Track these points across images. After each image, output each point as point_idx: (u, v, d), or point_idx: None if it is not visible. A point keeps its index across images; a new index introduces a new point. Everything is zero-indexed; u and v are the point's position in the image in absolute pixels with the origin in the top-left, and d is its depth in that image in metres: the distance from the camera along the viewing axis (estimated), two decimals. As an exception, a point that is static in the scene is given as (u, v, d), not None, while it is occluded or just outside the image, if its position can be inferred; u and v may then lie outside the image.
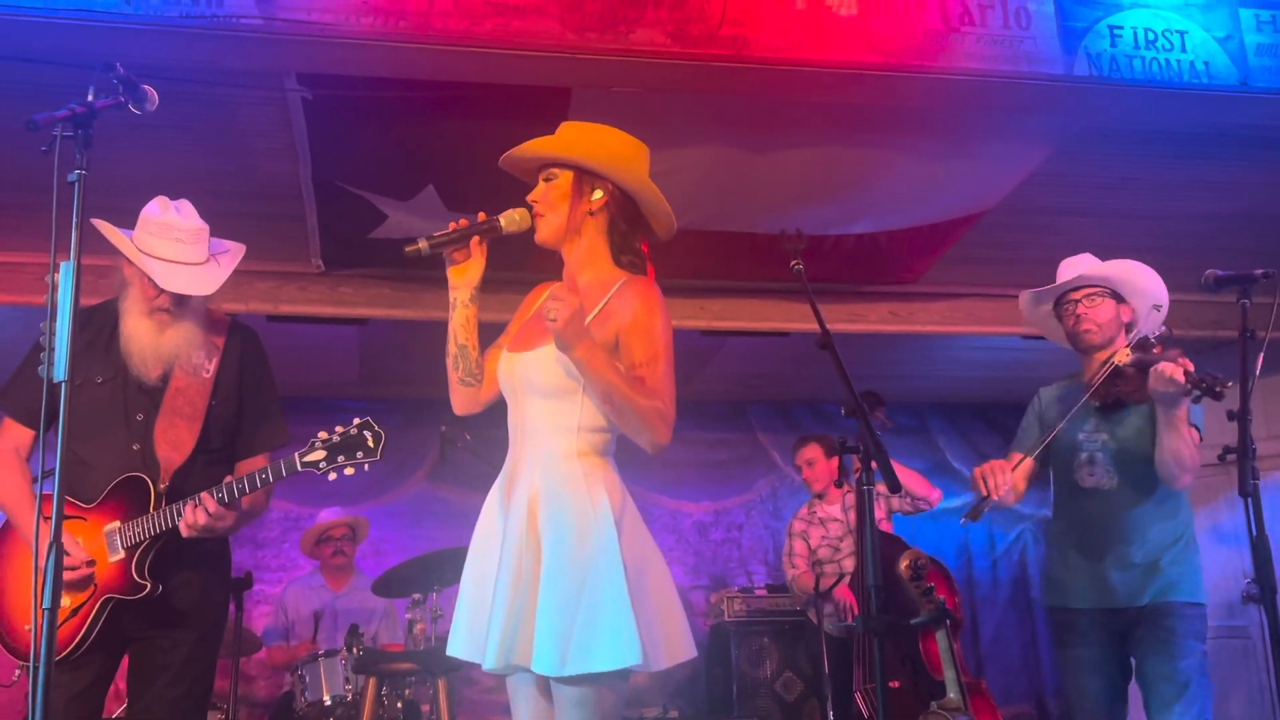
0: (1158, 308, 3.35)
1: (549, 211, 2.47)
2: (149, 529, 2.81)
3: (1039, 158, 4.32)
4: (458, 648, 2.41)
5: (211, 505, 2.74)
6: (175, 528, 2.78)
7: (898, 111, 3.96)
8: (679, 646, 2.35)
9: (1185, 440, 3.10)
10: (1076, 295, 3.38)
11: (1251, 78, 3.78)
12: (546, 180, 2.50)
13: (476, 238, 2.48)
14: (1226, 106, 3.82)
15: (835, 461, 5.46)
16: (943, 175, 4.43)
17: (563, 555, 2.26)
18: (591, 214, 2.47)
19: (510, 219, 2.47)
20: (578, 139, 2.50)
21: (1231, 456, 2.82)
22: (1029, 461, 3.37)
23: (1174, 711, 3.14)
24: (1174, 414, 3.06)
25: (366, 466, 2.81)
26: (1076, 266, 3.44)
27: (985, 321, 5.76)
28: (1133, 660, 3.34)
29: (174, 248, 2.87)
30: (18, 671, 2.86)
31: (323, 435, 2.80)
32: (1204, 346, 6.20)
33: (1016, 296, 5.61)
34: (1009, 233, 5.02)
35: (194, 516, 2.74)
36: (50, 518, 2.03)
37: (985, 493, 3.10)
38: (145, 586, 2.80)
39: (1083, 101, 3.80)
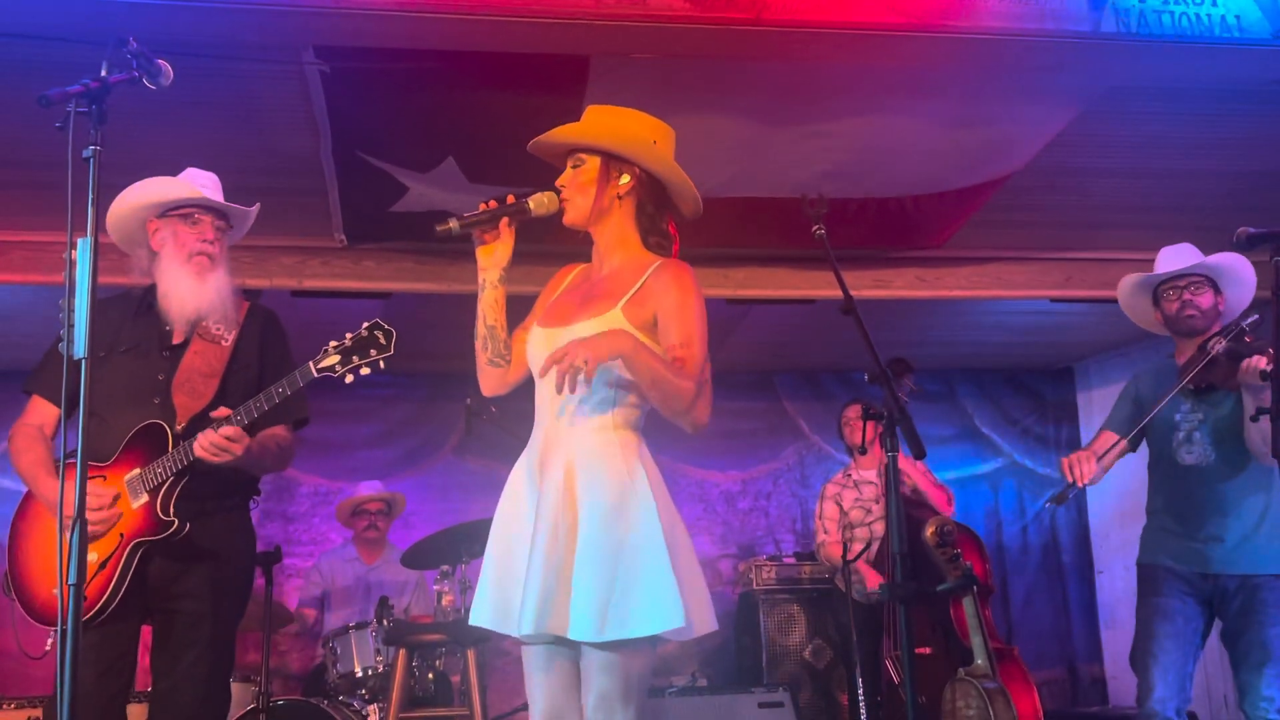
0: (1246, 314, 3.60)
1: (577, 195, 2.51)
2: (170, 468, 2.86)
3: (1066, 118, 4.24)
4: (483, 617, 2.43)
5: (226, 429, 2.78)
6: (194, 461, 2.83)
7: (921, 73, 3.91)
8: (706, 618, 2.37)
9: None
10: (1181, 283, 3.64)
11: (1284, 31, 3.69)
12: (574, 165, 2.54)
13: (506, 219, 2.49)
14: (1259, 61, 3.74)
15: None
16: (968, 138, 4.36)
17: (600, 525, 2.30)
18: (619, 197, 2.51)
19: (539, 202, 2.51)
20: (604, 124, 2.54)
21: (1264, 417, 2.80)
22: (1122, 443, 3.69)
23: (1265, 675, 3.42)
24: (1260, 399, 3.24)
25: (382, 364, 2.84)
26: (1183, 255, 3.68)
27: (1013, 285, 5.70)
28: (1222, 626, 3.60)
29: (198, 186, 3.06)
30: (50, 641, 2.90)
31: (333, 343, 2.85)
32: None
33: (1044, 259, 5.65)
34: (1036, 195, 4.95)
35: (207, 437, 2.78)
36: (73, 484, 2.06)
37: (1071, 480, 3.45)
38: (172, 524, 2.86)
39: (1110, 59, 3.73)
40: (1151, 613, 3.64)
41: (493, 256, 2.51)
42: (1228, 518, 3.54)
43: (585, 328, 2.37)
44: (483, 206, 2.48)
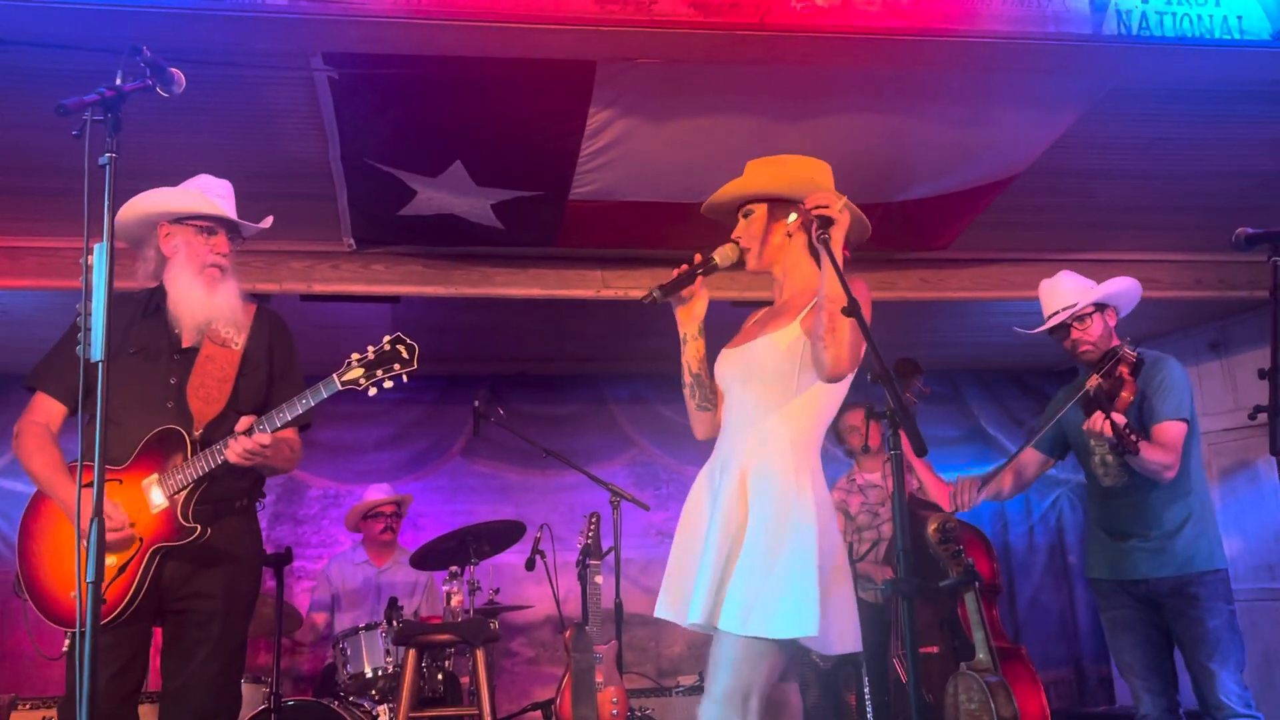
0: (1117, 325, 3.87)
1: (753, 244, 2.77)
2: (192, 474, 2.88)
3: (1069, 120, 4.26)
4: (665, 610, 2.67)
5: (261, 435, 2.83)
6: (217, 468, 2.86)
7: (924, 77, 3.93)
8: (849, 639, 2.57)
9: (1143, 449, 3.50)
10: (1067, 320, 3.83)
11: (1285, 32, 3.71)
12: (745, 216, 2.80)
13: (700, 277, 2.71)
14: (1261, 62, 3.75)
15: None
16: (972, 140, 4.38)
17: (763, 528, 2.50)
18: (790, 235, 2.76)
19: (724, 255, 2.74)
20: (763, 173, 2.81)
21: (1262, 415, 2.81)
22: (1034, 454, 4.04)
23: (1210, 668, 3.52)
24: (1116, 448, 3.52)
25: (405, 377, 2.91)
26: (1058, 292, 3.89)
27: (1017, 286, 5.71)
28: (1170, 629, 3.72)
29: (213, 198, 3.08)
30: (67, 643, 2.93)
31: (356, 356, 2.90)
32: (1240, 307, 6.14)
33: (1049, 260, 5.65)
34: (1040, 197, 4.97)
35: (240, 444, 2.82)
36: (89, 485, 2.08)
37: (952, 508, 3.84)
38: (195, 530, 2.88)
39: (1113, 61, 3.75)
40: (1111, 627, 3.85)
41: (690, 314, 2.76)
42: (1149, 529, 3.72)
43: (765, 343, 2.64)
44: (675, 273, 2.68)
